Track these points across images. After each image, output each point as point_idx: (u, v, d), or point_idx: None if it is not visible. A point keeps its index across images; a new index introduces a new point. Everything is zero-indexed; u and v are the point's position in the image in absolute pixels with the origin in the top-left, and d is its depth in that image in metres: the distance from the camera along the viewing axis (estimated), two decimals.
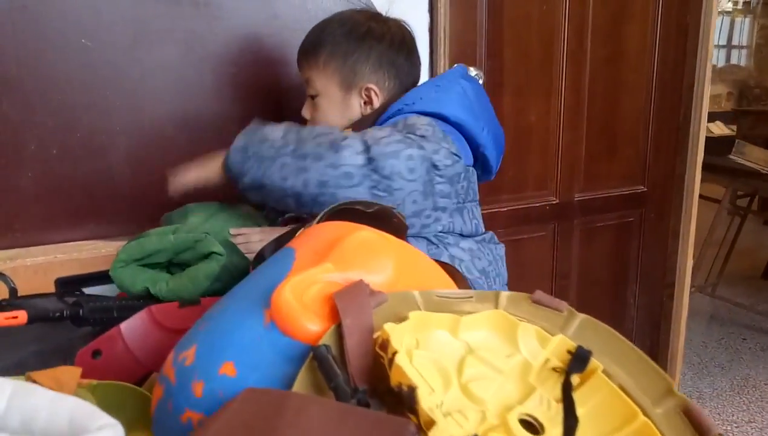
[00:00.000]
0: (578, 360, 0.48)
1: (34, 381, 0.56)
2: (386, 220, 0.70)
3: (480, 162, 1.02)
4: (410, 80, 1.01)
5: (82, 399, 0.54)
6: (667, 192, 1.83)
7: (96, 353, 0.63)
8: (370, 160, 0.80)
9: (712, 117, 6.44)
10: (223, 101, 1.16)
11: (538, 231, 1.66)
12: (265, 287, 0.49)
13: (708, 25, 1.70)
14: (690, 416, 0.44)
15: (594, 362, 0.47)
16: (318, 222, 0.65)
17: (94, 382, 0.59)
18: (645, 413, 0.44)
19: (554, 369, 0.48)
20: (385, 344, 0.44)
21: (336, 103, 0.98)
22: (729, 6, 6.39)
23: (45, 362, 0.67)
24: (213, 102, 1.16)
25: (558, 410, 0.44)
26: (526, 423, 0.44)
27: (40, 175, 1.07)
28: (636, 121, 1.73)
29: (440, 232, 0.94)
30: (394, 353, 0.42)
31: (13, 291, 0.92)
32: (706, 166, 2.27)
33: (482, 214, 1.51)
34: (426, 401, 0.39)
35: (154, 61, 1.12)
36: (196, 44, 1.14)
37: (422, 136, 0.84)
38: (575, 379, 0.47)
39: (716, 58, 6.68)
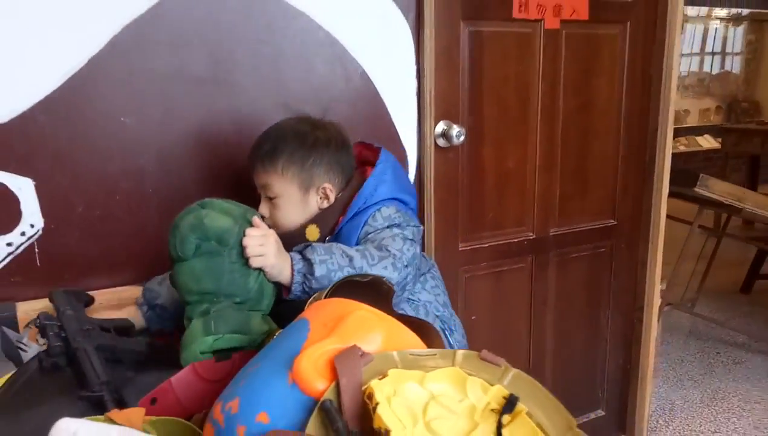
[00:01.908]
0: (509, 404, 0.67)
1: (112, 420, 0.75)
2: (378, 286, 0.90)
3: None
4: (351, 171, 1.21)
5: (147, 432, 0.74)
6: (635, 225, 2.02)
7: (153, 401, 0.82)
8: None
9: (701, 131, 6.68)
10: (238, 166, 1.35)
11: (517, 263, 1.85)
12: (288, 353, 0.69)
13: (669, 76, 1.90)
14: None
15: (520, 406, 0.67)
16: (327, 294, 0.84)
17: (154, 418, 0.78)
18: None
19: (492, 410, 0.67)
20: (371, 396, 0.63)
21: (295, 202, 1.16)
22: (723, 13, 6.58)
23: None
24: (230, 166, 1.35)
25: None
26: None
27: (86, 234, 1.26)
28: (605, 163, 1.92)
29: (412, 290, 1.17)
30: (377, 404, 0.62)
31: (62, 336, 1.11)
32: (677, 194, 2.47)
33: (467, 250, 1.72)
34: None
35: (180, 132, 1.31)
36: (216, 117, 1.34)
37: (396, 224, 1.08)
38: (506, 418, 0.66)
39: (710, 65, 6.88)
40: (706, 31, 6.62)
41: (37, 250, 1.24)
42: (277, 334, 0.88)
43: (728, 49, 6.87)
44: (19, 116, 1.18)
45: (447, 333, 1.24)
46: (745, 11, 6.67)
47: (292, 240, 1.09)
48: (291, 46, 1.39)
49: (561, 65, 1.77)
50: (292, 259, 1.03)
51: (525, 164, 1.79)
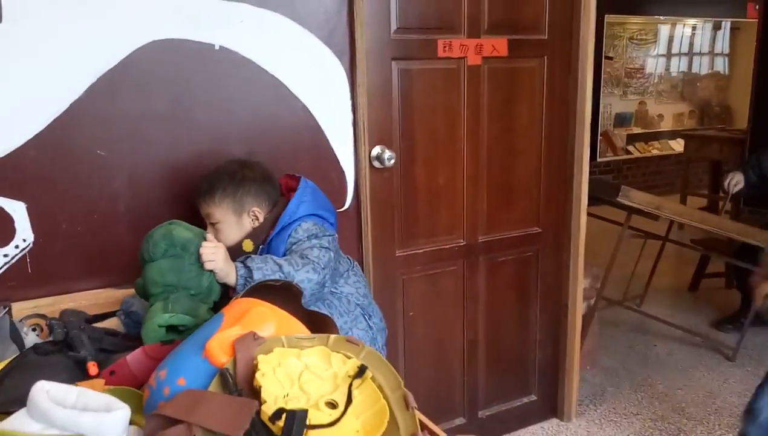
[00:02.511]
0: (360, 372, 0.94)
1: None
2: (288, 288, 1.17)
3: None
4: (276, 196, 1.51)
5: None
6: (558, 231, 2.29)
7: (112, 373, 1.09)
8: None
9: (674, 135, 6.92)
10: (196, 188, 1.61)
11: (450, 266, 2.12)
12: (205, 337, 0.96)
13: (583, 100, 2.17)
14: (406, 400, 0.91)
15: (368, 373, 0.94)
16: (242, 296, 1.11)
17: (112, 387, 1.06)
18: (386, 398, 0.91)
19: (349, 376, 0.94)
20: (256, 366, 0.91)
21: (233, 225, 1.47)
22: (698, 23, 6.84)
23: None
24: (189, 189, 1.61)
25: (346, 396, 0.91)
26: (330, 404, 0.91)
27: (69, 246, 1.53)
28: (529, 178, 2.20)
29: (335, 285, 1.44)
30: (259, 372, 0.89)
31: (51, 327, 1.39)
32: (604, 202, 2.74)
33: (404, 256, 1.99)
34: (269, 393, 0.86)
35: (147, 162, 1.58)
36: (177, 149, 1.61)
37: (314, 235, 1.36)
38: (357, 382, 0.93)
39: (698, 65, 7.12)
40: (681, 34, 6.87)
41: (28, 260, 1.51)
42: None
43: (716, 51, 7.12)
44: (13, 151, 1.46)
45: (366, 317, 1.54)
46: (723, 20, 6.93)
47: (232, 253, 1.38)
48: (241, 88, 1.66)
49: (484, 95, 2.04)
50: (236, 267, 1.32)
51: (454, 181, 2.06)
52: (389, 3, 1.83)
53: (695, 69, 7.10)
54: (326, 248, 1.41)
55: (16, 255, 1.50)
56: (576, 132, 2.20)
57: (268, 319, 1.01)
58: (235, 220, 1.46)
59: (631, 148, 6.68)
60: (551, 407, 2.47)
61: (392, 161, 1.89)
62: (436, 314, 2.14)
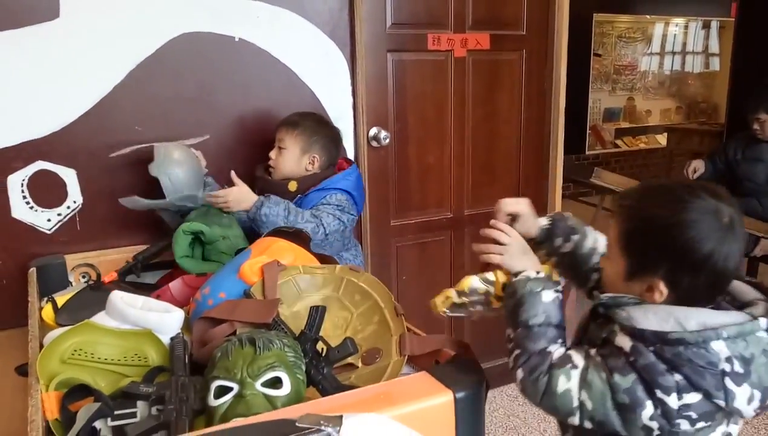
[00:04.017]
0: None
1: None
2: (299, 233, 1.45)
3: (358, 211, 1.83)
4: (333, 160, 1.81)
5: None
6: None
7: (158, 297, 1.36)
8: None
9: (660, 129, 7.18)
10: (218, 159, 1.88)
11: (438, 236, 2.39)
12: (238, 264, 1.23)
13: (558, 91, 2.44)
14: (396, 309, 1.18)
15: (361, 274, 1.21)
16: (264, 236, 1.38)
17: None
18: (381, 308, 1.18)
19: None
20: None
21: (294, 157, 1.76)
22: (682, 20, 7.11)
23: None
24: (211, 161, 1.88)
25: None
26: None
27: (111, 208, 1.79)
28: (509, 159, 2.46)
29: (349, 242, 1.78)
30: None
31: (98, 275, 1.67)
32: (578, 182, 3.01)
33: (398, 225, 2.25)
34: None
35: (177, 137, 1.84)
36: (201, 126, 1.88)
37: (341, 207, 1.67)
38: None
39: (685, 62, 7.38)
40: (667, 34, 7.14)
41: (78, 219, 1.78)
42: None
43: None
44: (67, 126, 1.72)
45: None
46: (712, 20, 7.20)
47: (278, 188, 1.71)
48: (257, 75, 1.93)
49: (469, 84, 2.31)
50: (257, 198, 1.63)
51: (442, 160, 2.33)
52: (385, 1, 2.10)
53: (682, 66, 7.37)
54: (340, 220, 1.68)
55: (68, 215, 1.77)
56: (552, 118, 2.47)
57: (288, 251, 1.28)
58: (298, 154, 1.76)
59: (619, 141, 6.96)
60: None
61: (387, 141, 2.16)
62: (427, 279, 2.41)
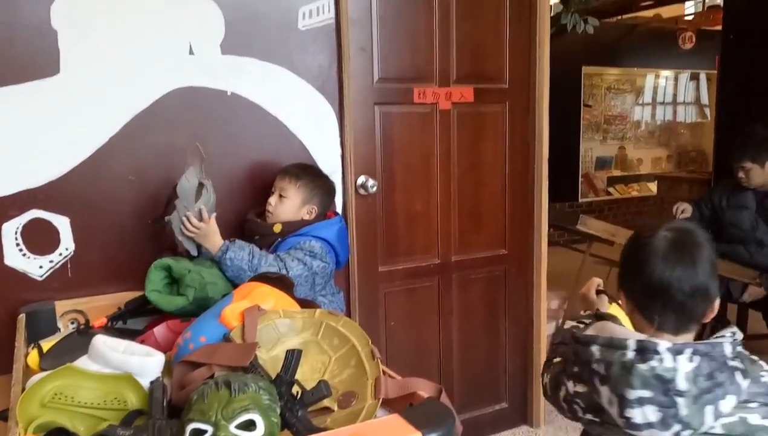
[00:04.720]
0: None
1: None
2: (283, 280, 1.48)
3: (338, 262, 1.90)
4: (325, 211, 1.90)
5: None
6: (523, 253, 2.61)
7: (142, 342, 1.39)
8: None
9: (651, 178, 7.28)
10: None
11: (426, 282, 2.43)
12: (220, 308, 1.27)
13: (541, 141, 2.52)
14: (373, 353, 1.21)
15: (339, 319, 1.24)
16: (248, 281, 1.43)
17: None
18: (358, 351, 1.21)
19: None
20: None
21: (294, 206, 1.86)
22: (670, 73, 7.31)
23: None
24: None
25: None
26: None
27: (103, 255, 1.84)
28: (496, 207, 2.52)
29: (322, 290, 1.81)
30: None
31: (87, 321, 1.70)
32: (565, 229, 3.05)
33: (386, 271, 2.29)
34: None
35: (170, 184, 1.90)
36: None
37: (312, 253, 1.73)
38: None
39: (684, 114, 7.53)
40: (657, 85, 7.33)
41: (69, 266, 1.82)
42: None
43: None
44: (63, 175, 1.79)
45: None
46: (698, 71, 7.41)
47: (265, 229, 1.82)
48: (248, 127, 2.00)
49: (454, 135, 2.39)
50: (223, 242, 1.69)
51: (429, 207, 2.39)
52: (372, 58, 2.19)
53: (674, 116, 7.55)
54: (306, 265, 1.73)
55: (60, 261, 1.81)
56: (536, 167, 2.54)
57: (269, 296, 1.32)
58: (299, 204, 1.86)
59: (611, 189, 7.06)
60: (521, 415, 2.73)
61: (375, 189, 2.22)
62: (414, 325, 2.43)
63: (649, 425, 1.03)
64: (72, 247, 1.82)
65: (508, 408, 2.70)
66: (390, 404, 1.16)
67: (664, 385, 1.02)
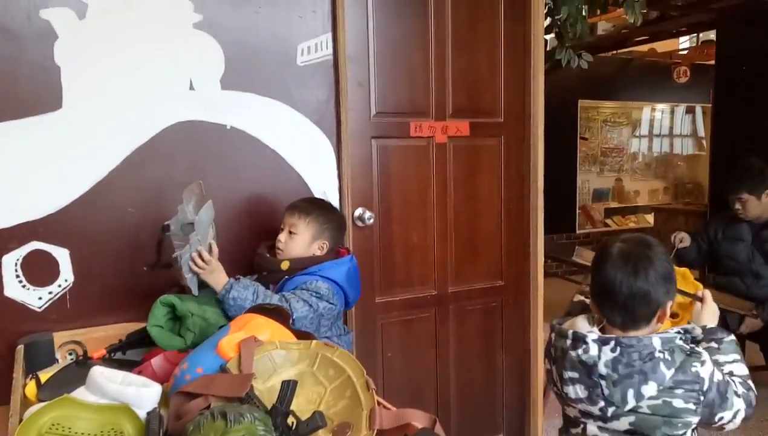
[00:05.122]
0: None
1: None
2: (280, 311, 1.50)
3: (348, 302, 1.88)
4: (336, 245, 1.89)
5: None
6: (520, 285, 2.62)
7: (139, 372, 1.40)
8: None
9: (648, 209, 7.32)
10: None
11: (423, 313, 2.44)
12: (217, 339, 1.28)
13: (537, 173, 2.55)
14: (367, 384, 1.22)
15: (335, 350, 1.25)
16: (245, 312, 1.44)
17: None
18: (353, 382, 1.22)
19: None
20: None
21: (305, 242, 1.85)
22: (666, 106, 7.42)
23: None
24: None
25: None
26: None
27: (101, 287, 1.86)
28: (492, 238, 2.55)
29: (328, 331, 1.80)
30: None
31: (85, 352, 1.71)
32: (561, 260, 3.06)
33: (382, 302, 2.30)
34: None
35: (169, 217, 1.93)
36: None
37: (318, 295, 1.71)
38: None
39: (680, 146, 7.60)
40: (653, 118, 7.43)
41: (68, 297, 1.84)
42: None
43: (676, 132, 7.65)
44: (63, 208, 1.82)
45: None
46: (693, 105, 7.52)
47: (273, 265, 1.80)
48: (247, 160, 2.04)
49: (450, 167, 2.43)
50: (228, 281, 1.68)
51: (425, 238, 2.41)
52: (369, 93, 2.25)
53: (671, 148, 7.63)
54: (312, 307, 1.71)
55: (59, 293, 1.83)
56: (531, 200, 2.57)
57: (265, 327, 1.33)
58: (309, 240, 1.84)
59: (609, 221, 7.09)
60: None
61: (372, 221, 2.25)
62: (412, 356, 2.43)
63: (581, 400, 1.30)
64: (71, 278, 1.84)
65: None
66: (385, 435, 1.16)
67: (588, 369, 1.27)
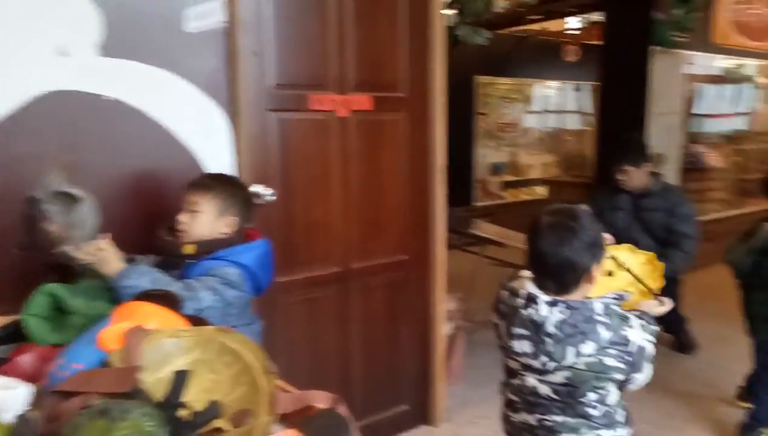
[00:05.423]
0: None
1: None
2: (169, 297, 1.39)
3: (259, 289, 1.75)
4: (245, 223, 1.74)
5: None
6: (423, 258, 2.64)
7: (5, 373, 1.25)
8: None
9: (541, 182, 7.65)
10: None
11: (326, 291, 2.40)
12: (96, 332, 1.17)
13: (436, 148, 2.57)
14: (266, 367, 1.16)
15: (233, 335, 1.18)
16: (132, 300, 1.33)
17: None
18: (252, 367, 1.15)
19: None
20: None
21: (210, 219, 1.67)
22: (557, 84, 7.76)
23: None
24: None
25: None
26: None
27: None
28: (395, 213, 2.54)
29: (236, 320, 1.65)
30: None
31: None
32: (460, 233, 3.14)
33: (284, 282, 2.22)
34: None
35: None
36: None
37: (227, 282, 1.57)
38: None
39: (570, 122, 7.95)
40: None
41: None
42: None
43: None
44: None
45: None
46: (581, 83, 7.89)
47: (175, 249, 1.62)
48: (130, 135, 1.88)
49: (352, 142, 2.38)
50: (122, 268, 1.50)
51: (328, 215, 2.36)
52: (266, 63, 2.14)
53: (561, 124, 8.02)
54: (221, 296, 1.56)
55: None
56: (433, 174, 2.58)
57: (154, 315, 1.23)
58: (214, 217, 1.66)
59: (505, 193, 7.37)
60: (422, 415, 2.76)
61: (272, 197, 2.16)
62: (315, 335, 2.39)
63: (525, 355, 1.40)
64: None
65: (409, 409, 2.72)
66: (287, 419, 1.12)
67: (537, 327, 1.36)
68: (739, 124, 6.13)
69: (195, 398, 1.11)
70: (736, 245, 2.59)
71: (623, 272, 1.61)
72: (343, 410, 1.13)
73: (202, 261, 1.64)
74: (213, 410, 1.00)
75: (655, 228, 3.25)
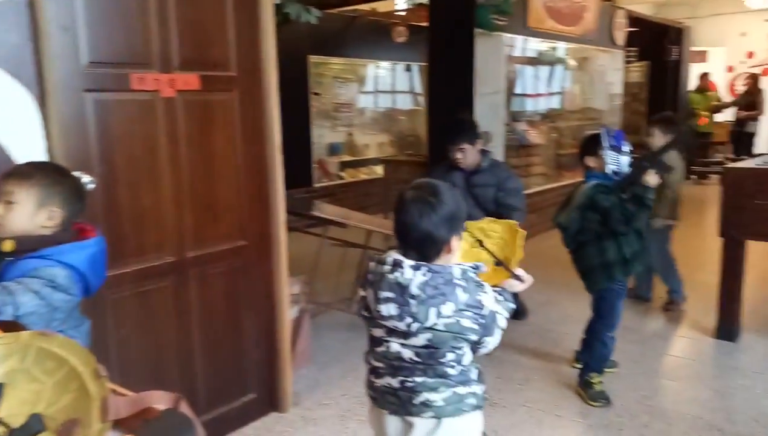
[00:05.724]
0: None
1: None
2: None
3: (88, 289, 1.60)
4: (73, 218, 1.58)
5: None
6: (263, 242, 2.61)
7: None
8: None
9: (377, 161, 7.89)
10: None
11: (160, 283, 2.27)
12: None
13: (271, 128, 2.54)
14: (96, 372, 1.08)
15: (53, 338, 1.08)
16: None
17: None
18: (79, 372, 1.07)
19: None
20: None
21: (28, 211, 1.51)
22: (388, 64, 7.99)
23: None
24: None
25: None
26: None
27: None
28: (231, 198, 2.47)
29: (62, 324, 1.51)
30: None
31: None
32: (302, 215, 3.15)
33: (111, 276, 2.08)
34: None
35: None
36: None
37: (53, 284, 1.43)
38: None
39: (402, 102, 8.20)
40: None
41: None
42: None
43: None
44: None
45: None
46: (411, 63, 8.20)
47: None
48: None
49: (181, 124, 2.26)
50: None
51: (158, 202, 2.23)
52: (78, 38, 1.94)
53: (394, 104, 8.30)
54: (45, 300, 1.42)
55: None
56: (269, 155, 2.55)
57: None
58: (32, 209, 1.49)
59: (343, 173, 7.49)
60: (270, 402, 2.75)
61: (91, 186, 1.99)
62: (150, 331, 2.26)
63: (391, 317, 1.46)
64: None
65: (257, 397, 2.70)
66: (124, 424, 1.05)
67: (402, 289, 1.44)
68: (553, 103, 6.82)
69: (13, 412, 1.00)
70: (562, 209, 2.88)
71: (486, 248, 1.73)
72: (185, 408, 1.09)
73: (23, 260, 1.48)
74: (35, 424, 0.92)
75: (487, 202, 3.48)
